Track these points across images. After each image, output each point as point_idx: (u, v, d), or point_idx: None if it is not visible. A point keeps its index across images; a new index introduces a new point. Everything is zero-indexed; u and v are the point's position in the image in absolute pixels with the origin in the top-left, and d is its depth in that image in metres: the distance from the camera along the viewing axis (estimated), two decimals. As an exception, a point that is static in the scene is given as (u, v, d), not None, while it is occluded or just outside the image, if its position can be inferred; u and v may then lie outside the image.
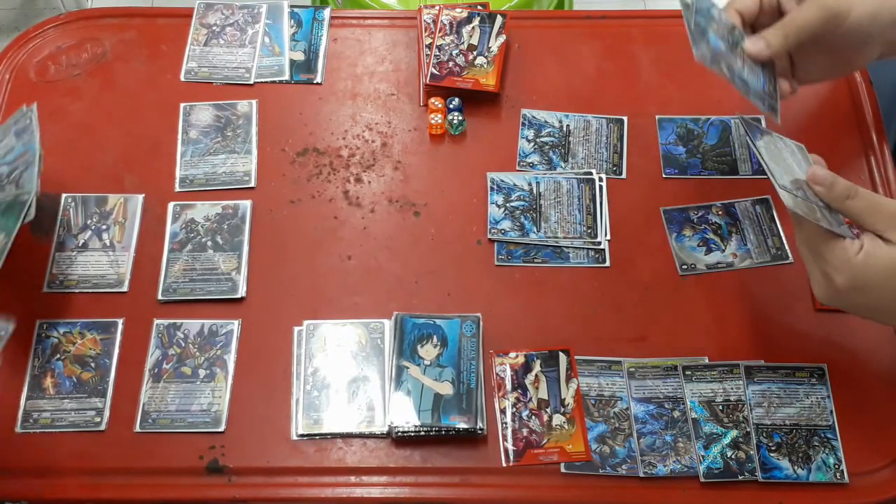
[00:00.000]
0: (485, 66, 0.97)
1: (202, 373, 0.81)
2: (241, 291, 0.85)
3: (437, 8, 1.01)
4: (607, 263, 0.87)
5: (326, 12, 1.04)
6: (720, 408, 0.79)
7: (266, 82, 0.99)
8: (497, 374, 0.81)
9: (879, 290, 0.70)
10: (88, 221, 0.89)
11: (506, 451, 0.78)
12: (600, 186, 0.91)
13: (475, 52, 0.98)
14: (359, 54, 1.02)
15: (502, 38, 0.99)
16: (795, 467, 0.77)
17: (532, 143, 0.94)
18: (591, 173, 0.92)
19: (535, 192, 0.91)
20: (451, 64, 0.97)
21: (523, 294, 0.86)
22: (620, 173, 0.93)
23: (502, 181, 0.92)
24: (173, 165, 0.93)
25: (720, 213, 0.90)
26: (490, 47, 0.98)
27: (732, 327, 0.84)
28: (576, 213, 0.90)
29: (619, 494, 0.77)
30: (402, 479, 0.77)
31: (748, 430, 0.78)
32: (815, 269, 0.73)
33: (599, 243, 0.88)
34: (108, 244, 0.88)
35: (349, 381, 0.81)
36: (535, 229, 0.89)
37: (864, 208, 0.71)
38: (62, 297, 0.85)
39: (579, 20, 1.05)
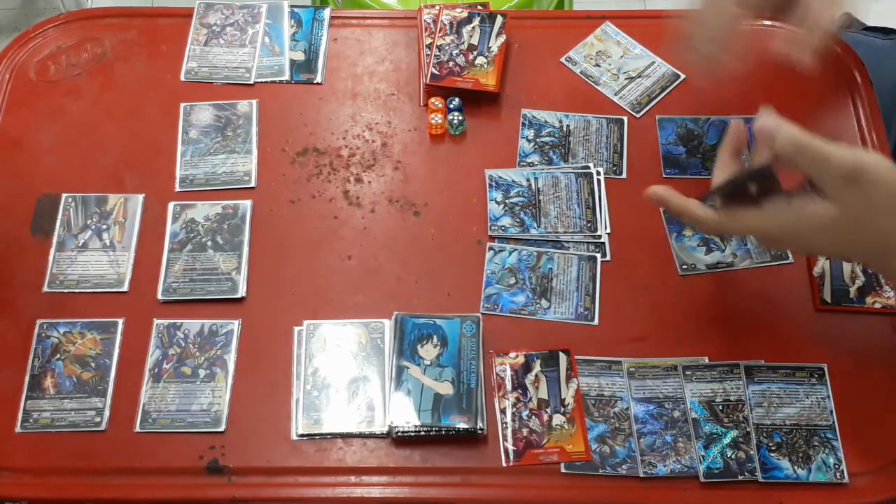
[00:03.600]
0: (485, 66, 0.97)
1: (202, 373, 0.81)
2: (241, 291, 0.85)
3: (437, 8, 1.01)
4: (608, 258, 0.87)
5: (326, 12, 1.04)
6: (720, 408, 0.79)
7: (266, 82, 0.99)
8: (497, 374, 0.81)
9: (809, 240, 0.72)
10: (88, 221, 0.89)
11: (506, 451, 0.78)
12: (598, 180, 0.91)
13: (475, 52, 0.98)
14: (359, 54, 1.02)
15: (502, 38, 0.99)
16: (795, 467, 0.77)
17: (532, 143, 0.94)
18: (588, 167, 0.92)
19: (533, 187, 0.91)
20: (451, 64, 0.97)
21: (523, 294, 0.86)
22: (620, 173, 0.93)
23: (500, 178, 0.92)
24: (173, 165, 0.93)
25: (720, 212, 0.90)
26: (490, 47, 0.98)
27: (732, 327, 0.84)
28: (575, 208, 0.90)
29: (619, 494, 0.77)
30: (402, 479, 0.77)
31: (748, 430, 0.78)
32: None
33: (600, 237, 0.88)
34: (108, 244, 0.88)
35: (349, 381, 0.81)
36: (535, 224, 0.89)
37: (809, 163, 0.70)
38: (62, 297, 0.85)
39: (579, 20, 1.05)
